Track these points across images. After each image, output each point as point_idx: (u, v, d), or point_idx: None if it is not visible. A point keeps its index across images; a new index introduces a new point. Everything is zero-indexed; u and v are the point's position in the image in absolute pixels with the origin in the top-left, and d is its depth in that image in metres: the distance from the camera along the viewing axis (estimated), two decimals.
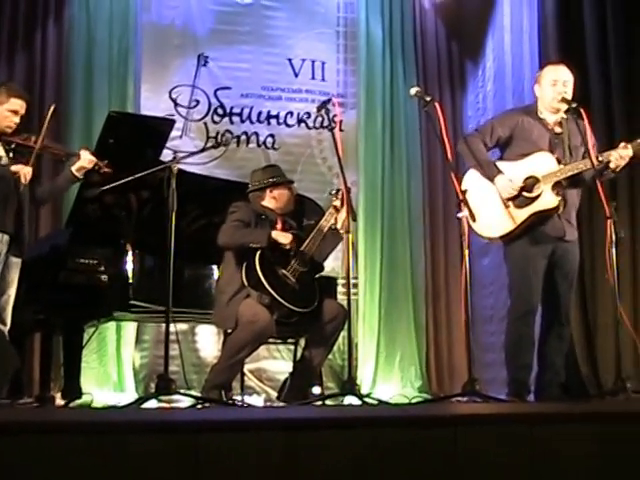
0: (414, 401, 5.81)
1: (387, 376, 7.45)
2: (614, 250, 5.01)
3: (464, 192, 4.95)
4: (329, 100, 5.34)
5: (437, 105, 4.99)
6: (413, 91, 5.12)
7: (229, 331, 5.22)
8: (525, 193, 5.06)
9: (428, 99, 5.02)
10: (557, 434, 2.91)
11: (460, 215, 5.17)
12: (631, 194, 7.90)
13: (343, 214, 5.24)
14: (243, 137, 7.49)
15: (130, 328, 6.93)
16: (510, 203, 5.05)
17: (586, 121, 5.05)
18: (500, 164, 5.17)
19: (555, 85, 5.21)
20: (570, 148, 5.17)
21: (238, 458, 2.51)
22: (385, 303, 7.54)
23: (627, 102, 7.99)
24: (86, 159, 4.93)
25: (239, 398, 5.41)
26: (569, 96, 5.19)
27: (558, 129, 5.22)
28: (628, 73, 8.00)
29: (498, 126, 5.25)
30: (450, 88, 8.21)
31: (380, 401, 4.99)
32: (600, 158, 5.04)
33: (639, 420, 3.13)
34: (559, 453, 2.88)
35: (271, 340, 5.49)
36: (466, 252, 4.92)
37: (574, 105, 5.06)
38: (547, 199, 5.05)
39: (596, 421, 3.02)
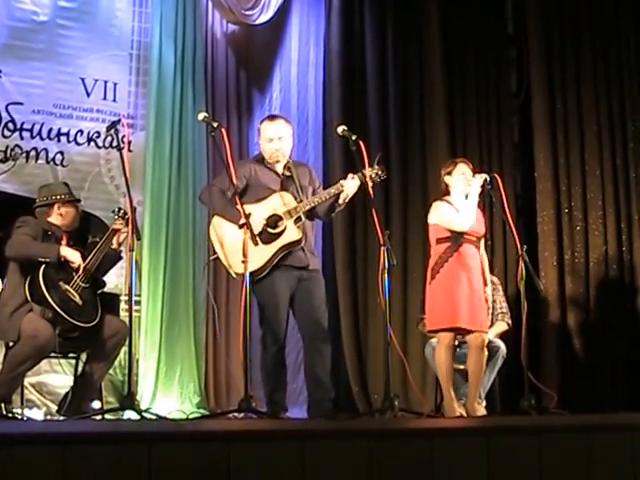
0: (191, 417, 5.94)
1: (167, 391, 7.52)
2: (386, 276, 5.28)
3: (247, 215, 5.17)
4: (119, 121, 5.41)
5: (223, 131, 5.20)
6: (201, 116, 5.33)
7: (11, 344, 5.25)
8: (270, 230, 5.40)
9: (215, 125, 5.24)
10: (328, 450, 3.01)
11: (213, 258, 5.50)
12: (404, 223, 8.42)
13: (125, 233, 5.42)
14: (32, 153, 7.39)
15: None
16: (257, 240, 5.29)
17: (364, 151, 5.38)
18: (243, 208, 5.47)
19: (271, 142, 5.59)
20: (301, 187, 5.59)
21: (16, 472, 2.51)
22: (167, 321, 7.61)
23: (401, 126, 8.57)
24: None
25: (19, 411, 5.37)
26: (285, 151, 5.60)
27: (287, 173, 5.62)
28: (404, 98, 8.59)
29: None
30: (237, 115, 8.38)
31: (158, 416, 5.06)
32: (332, 190, 5.47)
33: (406, 436, 3.30)
34: (331, 468, 2.98)
35: (53, 354, 5.50)
36: (247, 273, 5.08)
37: (354, 137, 5.40)
38: (291, 232, 5.44)
39: (365, 437, 3.14)
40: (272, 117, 5.90)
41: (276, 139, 5.58)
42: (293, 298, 5.54)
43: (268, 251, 5.41)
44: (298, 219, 5.46)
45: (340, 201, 5.52)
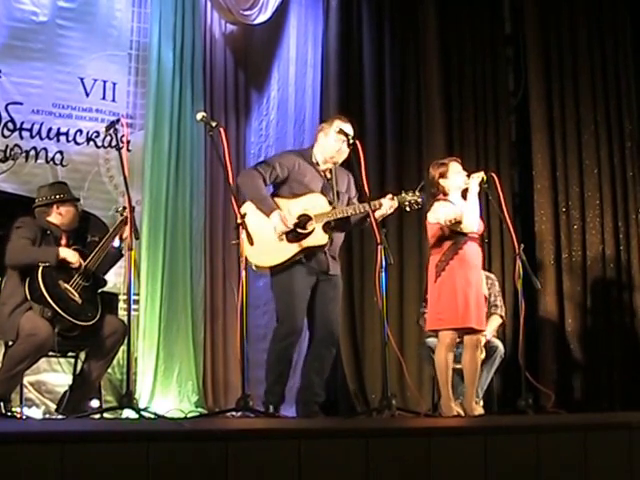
0: (189, 415, 5.96)
1: (165, 390, 7.53)
2: (383, 275, 5.29)
3: (243, 215, 5.17)
4: (118, 120, 5.43)
5: (222, 130, 5.22)
6: (199, 116, 5.35)
7: (10, 343, 5.25)
8: (298, 229, 5.43)
9: (213, 124, 5.25)
10: (326, 449, 3.04)
11: (234, 242, 5.49)
12: (400, 222, 8.44)
13: (126, 232, 5.44)
14: (32, 152, 7.41)
15: None
16: (284, 237, 5.38)
17: (360, 151, 5.36)
18: (276, 200, 5.51)
19: (344, 142, 5.54)
20: (338, 193, 5.61)
21: (15, 470, 2.52)
22: (165, 319, 7.62)
23: (398, 126, 8.59)
24: None
25: (18, 410, 5.36)
26: (345, 156, 5.61)
27: (328, 175, 5.64)
28: (401, 98, 8.61)
29: (277, 166, 5.58)
30: (235, 115, 8.40)
31: (157, 415, 5.06)
32: (368, 206, 5.47)
33: (404, 435, 3.34)
34: (329, 467, 3.02)
35: (51, 353, 5.51)
36: (243, 273, 5.12)
37: (351, 139, 5.45)
38: (318, 236, 5.45)
39: (363, 437, 3.17)
40: (347, 119, 5.83)
41: (350, 139, 5.52)
42: (312, 297, 5.57)
43: (290, 250, 5.45)
44: (328, 224, 5.49)
45: (378, 214, 5.47)
